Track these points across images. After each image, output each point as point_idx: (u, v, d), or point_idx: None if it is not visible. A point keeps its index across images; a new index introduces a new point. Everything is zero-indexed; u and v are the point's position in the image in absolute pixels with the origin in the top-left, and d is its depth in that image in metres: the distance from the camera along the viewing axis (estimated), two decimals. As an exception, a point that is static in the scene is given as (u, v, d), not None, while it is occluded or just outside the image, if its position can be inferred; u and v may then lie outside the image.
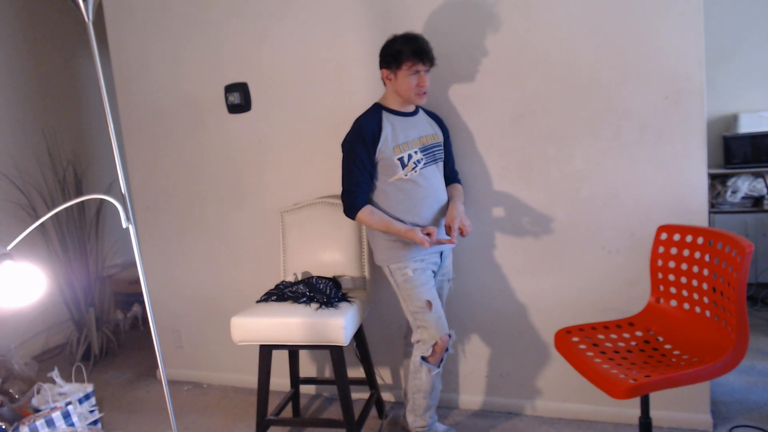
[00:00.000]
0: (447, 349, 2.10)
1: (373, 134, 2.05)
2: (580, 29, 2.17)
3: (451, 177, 2.28)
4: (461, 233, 2.07)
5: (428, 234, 1.99)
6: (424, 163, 2.11)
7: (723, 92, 3.73)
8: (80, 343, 3.49)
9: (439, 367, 2.10)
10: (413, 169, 2.08)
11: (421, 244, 1.98)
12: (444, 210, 2.15)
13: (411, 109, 2.16)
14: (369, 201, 2.12)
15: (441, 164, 2.20)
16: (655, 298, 1.95)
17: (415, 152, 2.09)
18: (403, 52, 2.00)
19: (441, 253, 2.20)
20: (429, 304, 2.06)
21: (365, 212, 2.07)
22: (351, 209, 2.08)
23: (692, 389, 2.19)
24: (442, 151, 2.21)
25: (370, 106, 2.17)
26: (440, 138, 2.20)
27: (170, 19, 2.83)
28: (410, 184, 2.08)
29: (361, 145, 2.05)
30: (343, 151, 2.11)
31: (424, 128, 2.17)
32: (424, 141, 2.13)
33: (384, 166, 2.07)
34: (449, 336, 2.09)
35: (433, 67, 2.08)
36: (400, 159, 2.07)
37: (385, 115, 2.10)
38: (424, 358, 2.08)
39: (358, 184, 2.07)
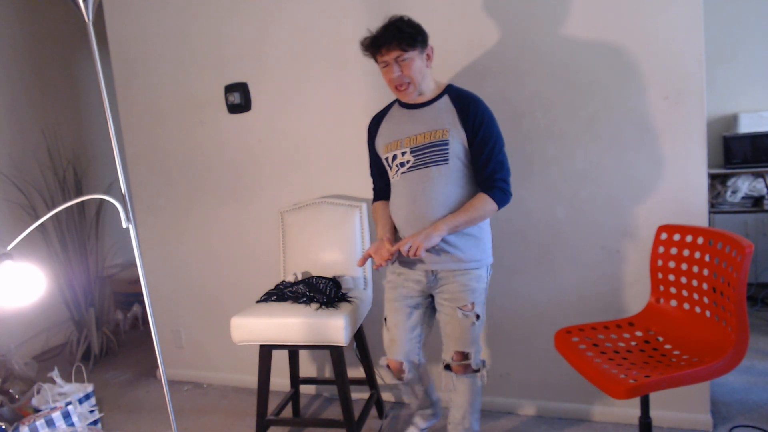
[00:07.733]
0: (400, 378, 1.98)
1: (373, 128, 2.02)
2: (580, 29, 2.17)
3: (479, 183, 1.84)
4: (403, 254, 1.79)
5: (391, 252, 1.81)
6: (410, 167, 1.83)
7: (723, 92, 3.73)
8: (80, 343, 3.49)
9: (397, 381, 2.02)
10: (396, 172, 1.89)
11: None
12: (426, 222, 1.81)
13: (427, 98, 1.86)
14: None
15: (443, 167, 1.81)
16: (655, 298, 1.95)
17: (402, 153, 1.85)
18: (365, 46, 1.83)
19: (432, 272, 1.88)
20: (385, 321, 2.03)
21: (372, 207, 2.11)
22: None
23: (692, 389, 2.19)
24: (446, 151, 1.80)
25: None
26: (447, 135, 1.80)
27: (170, 18, 2.83)
28: (396, 186, 1.93)
29: (368, 139, 2.06)
30: None
31: (429, 123, 1.83)
32: (419, 140, 1.82)
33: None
34: (400, 363, 1.95)
35: (413, 50, 1.76)
36: (386, 159, 1.93)
37: (394, 109, 1.97)
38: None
39: (373, 177, 2.10)
